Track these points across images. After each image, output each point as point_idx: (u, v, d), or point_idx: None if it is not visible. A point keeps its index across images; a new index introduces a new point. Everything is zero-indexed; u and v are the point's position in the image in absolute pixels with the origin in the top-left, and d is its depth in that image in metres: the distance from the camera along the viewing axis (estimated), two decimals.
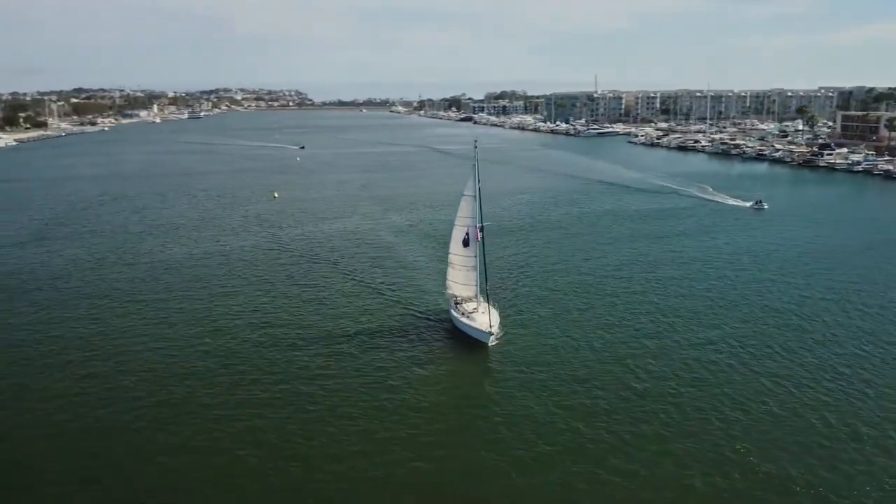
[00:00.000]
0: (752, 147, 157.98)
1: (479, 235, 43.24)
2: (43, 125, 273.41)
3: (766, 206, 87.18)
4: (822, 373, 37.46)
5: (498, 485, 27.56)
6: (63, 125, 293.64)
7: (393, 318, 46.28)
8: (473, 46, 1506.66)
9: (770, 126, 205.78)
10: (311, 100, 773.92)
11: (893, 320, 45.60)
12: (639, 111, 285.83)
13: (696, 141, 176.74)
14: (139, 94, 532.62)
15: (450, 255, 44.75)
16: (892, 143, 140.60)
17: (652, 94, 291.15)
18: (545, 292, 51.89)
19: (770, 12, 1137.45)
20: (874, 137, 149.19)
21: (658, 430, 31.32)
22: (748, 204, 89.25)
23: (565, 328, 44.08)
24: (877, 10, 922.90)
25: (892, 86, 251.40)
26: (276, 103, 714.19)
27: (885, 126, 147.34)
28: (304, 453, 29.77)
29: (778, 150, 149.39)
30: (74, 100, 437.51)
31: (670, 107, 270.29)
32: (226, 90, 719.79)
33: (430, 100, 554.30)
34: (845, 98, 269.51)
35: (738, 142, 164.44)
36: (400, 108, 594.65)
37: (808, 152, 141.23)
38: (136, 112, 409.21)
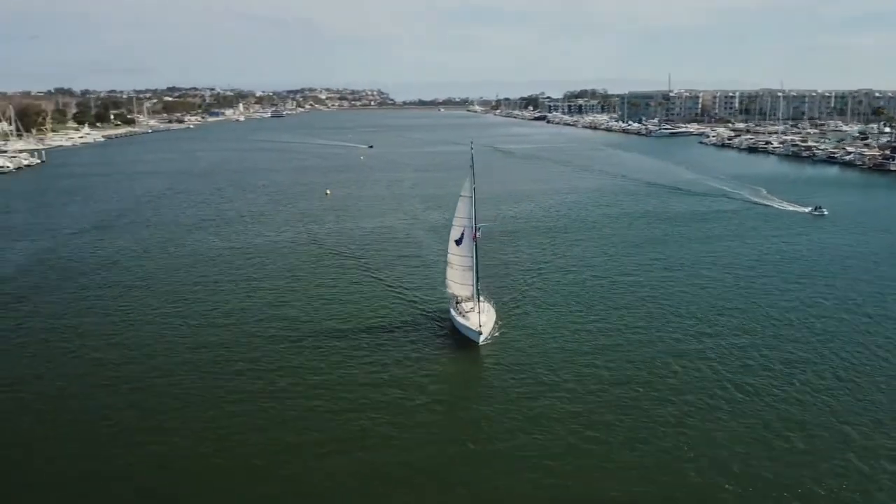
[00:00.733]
0: (822, 149, 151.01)
1: (476, 236, 44.09)
2: (132, 122, 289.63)
3: (825, 212, 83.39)
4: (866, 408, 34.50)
5: (473, 478, 28.21)
6: (151, 122, 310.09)
7: (401, 315, 47.46)
8: (555, 45, 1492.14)
9: (851, 128, 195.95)
10: (392, 99, 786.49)
11: None
12: (716, 111, 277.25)
13: (768, 142, 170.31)
14: (229, 93, 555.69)
15: (448, 255, 45.73)
16: None
17: (730, 94, 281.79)
18: (553, 293, 52.00)
19: (860, 9, 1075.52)
20: None
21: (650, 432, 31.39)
22: (806, 209, 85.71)
23: (565, 329, 44.17)
24: None
25: None
26: (358, 103, 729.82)
27: None
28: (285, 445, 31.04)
29: (850, 154, 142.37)
30: (168, 98, 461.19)
31: (749, 106, 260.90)
32: (311, 90, 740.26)
33: (506, 99, 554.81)
34: None
35: (809, 144, 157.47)
36: (477, 108, 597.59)
37: (878, 155, 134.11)
38: (221, 111, 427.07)
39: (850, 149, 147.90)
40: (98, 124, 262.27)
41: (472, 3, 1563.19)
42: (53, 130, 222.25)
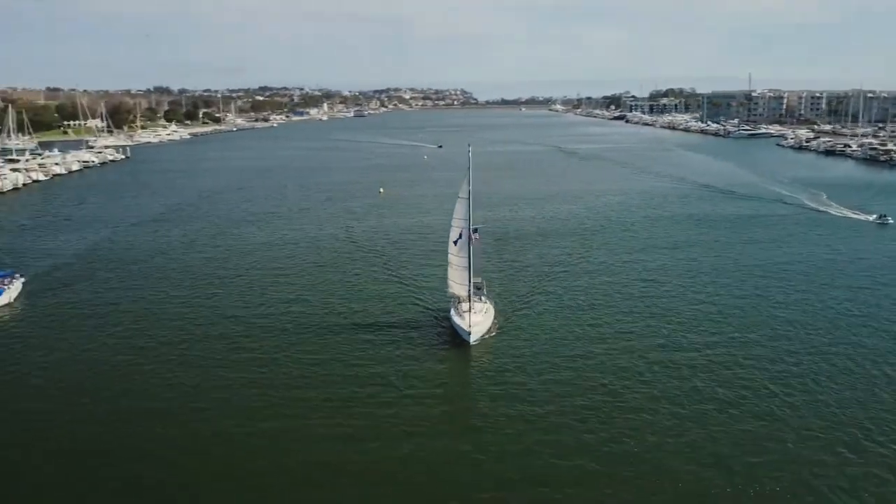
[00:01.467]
0: None
1: (475, 238, 45.22)
2: (218, 121, 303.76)
3: (890, 221, 79.39)
4: None
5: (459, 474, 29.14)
6: (238, 121, 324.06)
7: (409, 313, 48.79)
8: (652, 42, 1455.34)
9: None
10: (475, 99, 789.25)
11: None
12: (801, 111, 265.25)
13: (846, 145, 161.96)
14: (316, 92, 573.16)
15: (448, 255, 47.01)
16: None
17: (817, 94, 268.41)
18: (562, 296, 52.21)
19: None
20: None
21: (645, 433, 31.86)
22: (870, 217, 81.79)
23: (565, 332, 44.40)
24: None
25: None
26: (441, 102, 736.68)
27: None
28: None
29: None
30: (259, 98, 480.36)
31: (837, 108, 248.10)
32: (395, 89, 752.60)
33: (588, 98, 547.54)
34: None
35: (888, 147, 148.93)
36: (559, 107, 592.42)
37: None
38: (306, 110, 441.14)
39: None
40: (187, 122, 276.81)
41: (562, 1, 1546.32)
42: (143, 127, 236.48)
